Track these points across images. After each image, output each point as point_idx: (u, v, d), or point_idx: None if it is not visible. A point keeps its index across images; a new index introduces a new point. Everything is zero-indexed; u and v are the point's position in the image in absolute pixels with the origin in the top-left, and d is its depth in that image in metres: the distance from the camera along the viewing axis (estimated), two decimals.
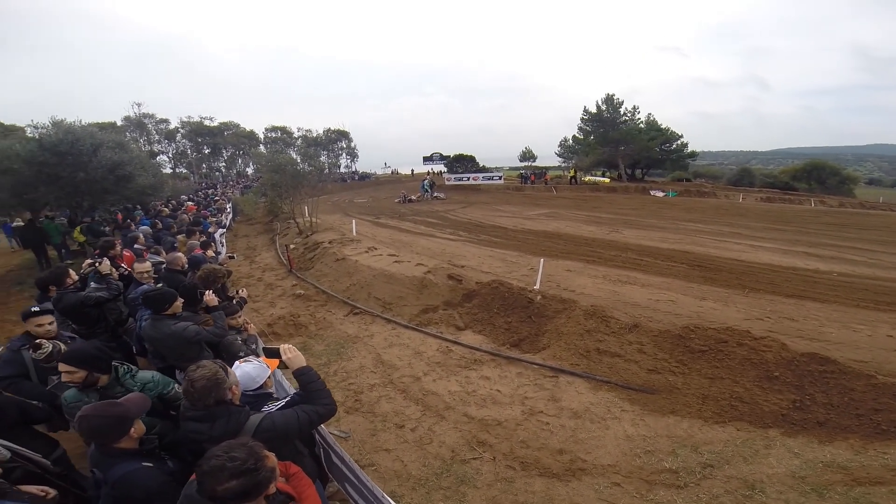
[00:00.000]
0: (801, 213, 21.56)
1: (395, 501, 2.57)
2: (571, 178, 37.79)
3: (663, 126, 39.06)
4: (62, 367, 2.72)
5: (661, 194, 29.51)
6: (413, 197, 28.12)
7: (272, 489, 1.74)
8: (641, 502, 3.67)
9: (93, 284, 4.88)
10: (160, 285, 4.61)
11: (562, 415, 4.86)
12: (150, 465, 2.19)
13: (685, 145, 38.67)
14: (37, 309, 3.60)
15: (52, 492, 2.30)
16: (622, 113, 39.05)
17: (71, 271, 4.95)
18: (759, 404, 4.75)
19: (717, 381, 5.16)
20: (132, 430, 2.17)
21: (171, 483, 2.16)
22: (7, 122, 32.93)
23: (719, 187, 33.26)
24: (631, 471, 4.01)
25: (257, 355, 3.70)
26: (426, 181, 31.30)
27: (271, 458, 1.73)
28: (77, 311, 4.44)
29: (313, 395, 2.46)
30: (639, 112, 39.15)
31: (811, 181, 34.23)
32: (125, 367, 2.94)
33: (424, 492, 3.89)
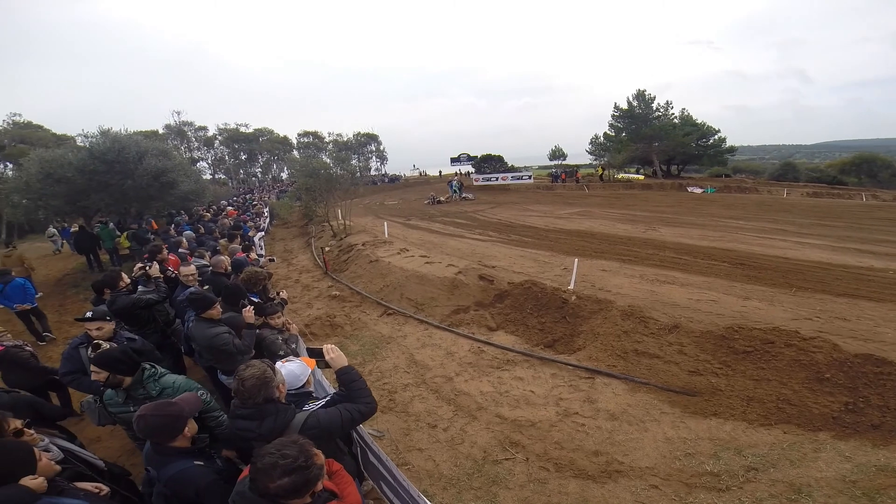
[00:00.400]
0: (852, 207, 20.45)
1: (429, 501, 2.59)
2: (599, 176, 37.00)
3: (699, 121, 37.85)
4: (91, 367, 2.91)
5: (698, 190, 28.61)
6: (442, 198, 28.19)
7: (320, 486, 1.79)
8: None
9: (141, 287, 5.15)
10: (206, 287, 4.81)
11: (598, 416, 4.79)
12: (201, 463, 2.28)
13: (723, 140, 37.35)
14: (89, 315, 3.84)
15: (106, 489, 2.41)
16: (654, 108, 38.07)
17: (123, 275, 5.22)
18: (809, 407, 4.54)
19: (763, 382, 4.96)
20: (186, 429, 2.28)
21: (219, 482, 2.25)
22: (59, 132, 34.92)
23: (761, 182, 31.97)
24: (670, 473, 3.92)
25: (297, 354, 3.81)
26: (454, 182, 31.34)
27: (320, 456, 1.80)
28: (129, 312, 4.66)
29: (355, 393, 2.52)
30: (672, 107, 38.10)
31: (861, 175, 32.45)
32: (153, 370, 3.06)
33: (455, 491, 3.90)
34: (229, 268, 5.94)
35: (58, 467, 2.20)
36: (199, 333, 3.79)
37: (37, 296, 7.97)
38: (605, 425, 4.63)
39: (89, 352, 3.39)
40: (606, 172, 37.44)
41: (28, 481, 1.93)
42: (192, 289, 4.94)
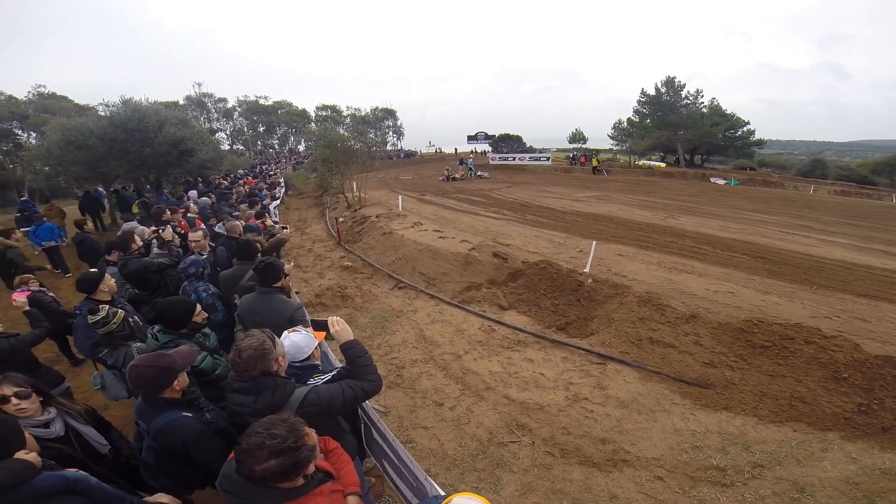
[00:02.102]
0: (881, 208, 19.85)
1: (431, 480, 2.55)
2: (594, 168, 32.44)
3: (728, 111, 36.77)
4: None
5: (722, 182, 27.98)
6: (457, 175, 27.92)
7: (311, 468, 1.67)
8: (683, 498, 3.52)
9: (156, 250, 5.14)
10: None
11: (608, 403, 4.72)
12: (190, 415, 2.26)
13: (751, 132, 36.30)
14: (92, 271, 3.64)
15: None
16: (683, 96, 37.12)
17: (136, 237, 5.19)
18: (822, 406, 4.45)
19: (779, 378, 4.85)
20: (175, 382, 2.24)
21: (207, 433, 2.23)
22: (81, 103, 35.90)
23: (788, 178, 31.16)
24: (676, 465, 3.86)
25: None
26: (470, 160, 31.08)
27: (312, 436, 1.67)
28: (139, 276, 4.61)
29: (360, 370, 2.40)
30: (702, 96, 37.09)
31: (894, 176, 31.32)
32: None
33: (458, 472, 3.88)
34: (242, 233, 5.93)
35: (36, 446, 2.08)
36: (280, 306, 3.42)
37: (65, 241, 10.54)
38: (615, 413, 4.57)
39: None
40: (601, 163, 33.91)
41: (23, 455, 1.87)
42: (193, 256, 4.81)
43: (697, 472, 3.77)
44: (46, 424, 2.36)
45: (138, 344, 3.15)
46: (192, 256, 4.54)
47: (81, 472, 2.02)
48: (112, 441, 2.73)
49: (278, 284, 3.59)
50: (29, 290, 4.78)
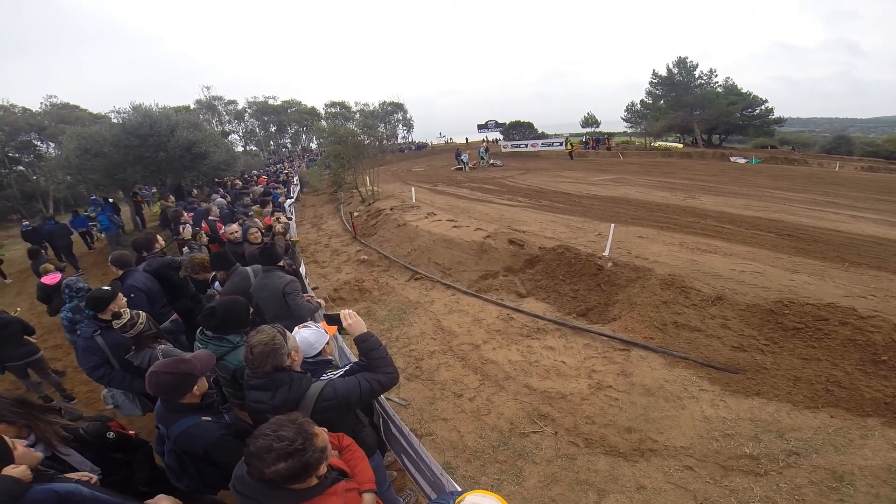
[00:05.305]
0: None
1: (449, 474, 2.51)
2: (569, 153, 31.42)
3: (744, 90, 35.75)
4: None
5: (742, 160, 27.19)
6: (466, 159, 27.55)
7: (323, 469, 1.64)
8: (714, 488, 3.39)
9: (185, 249, 5.22)
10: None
11: (633, 391, 4.58)
12: (210, 419, 2.25)
13: (770, 110, 35.22)
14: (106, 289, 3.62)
15: (95, 477, 2.26)
16: (696, 76, 36.21)
17: (159, 237, 5.41)
18: (860, 390, 4.22)
19: (813, 362, 4.63)
20: (195, 387, 2.24)
21: (227, 437, 2.23)
22: (95, 111, 36.62)
23: (811, 155, 30.18)
24: (706, 454, 3.72)
25: None
26: (481, 148, 30.82)
27: (321, 437, 1.64)
28: (163, 273, 4.72)
29: (375, 362, 2.36)
30: (716, 75, 36.13)
31: None
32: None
33: (479, 464, 3.81)
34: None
35: (39, 455, 2.06)
36: (276, 280, 3.86)
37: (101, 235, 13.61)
38: (640, 401, 4.43)
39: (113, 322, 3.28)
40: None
41: (10, 471, 1.82)
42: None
43: (729, 460, 3.64)
44: (32, 444, 2.29)
45: (164, 346, 3.21)
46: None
47: (73, 483, 1.97)
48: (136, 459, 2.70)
49: (279, 264, 4.04)
50: (59, 275, 5.48)
